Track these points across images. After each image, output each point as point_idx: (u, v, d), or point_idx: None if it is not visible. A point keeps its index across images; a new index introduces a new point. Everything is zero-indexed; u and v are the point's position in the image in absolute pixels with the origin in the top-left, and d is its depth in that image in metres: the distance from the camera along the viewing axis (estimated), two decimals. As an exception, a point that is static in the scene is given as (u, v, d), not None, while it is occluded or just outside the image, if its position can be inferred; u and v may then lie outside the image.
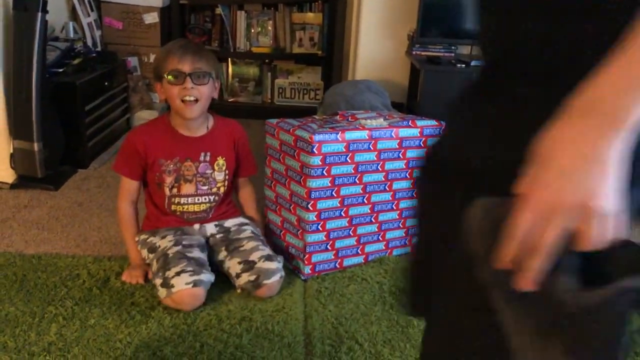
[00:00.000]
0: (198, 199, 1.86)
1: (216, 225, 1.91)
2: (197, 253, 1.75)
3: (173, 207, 1.85)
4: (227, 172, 1.89)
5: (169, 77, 1.70)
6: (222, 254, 1.84)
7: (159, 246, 1.78)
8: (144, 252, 1.82)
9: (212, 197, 1.88)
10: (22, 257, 1.94)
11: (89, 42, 3.34)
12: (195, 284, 1.64)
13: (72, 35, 3.00)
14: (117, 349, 1.51)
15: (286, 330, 1.62)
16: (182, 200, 1.84)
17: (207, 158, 1.85)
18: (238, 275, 1.76)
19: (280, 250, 1.93)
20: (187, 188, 1.84)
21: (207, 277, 1.68)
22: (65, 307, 1.66)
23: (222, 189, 1.89)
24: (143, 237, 1.85)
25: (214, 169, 1.86)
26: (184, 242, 1.77)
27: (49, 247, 2.04)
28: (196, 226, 1.88)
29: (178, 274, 1.65)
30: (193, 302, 1.65)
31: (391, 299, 1.82)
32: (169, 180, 1.81)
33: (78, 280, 1.81)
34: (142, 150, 1.77)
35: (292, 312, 1.70)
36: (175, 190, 1.83)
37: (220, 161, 1.87)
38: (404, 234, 2.11)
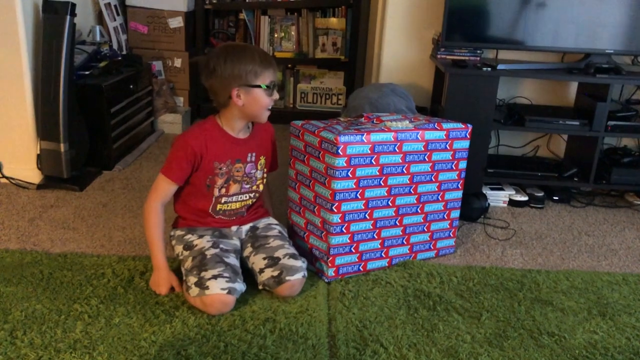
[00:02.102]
0: (241, 197, 1.89)
1: (251, 227, 1.93)
2: (233, 259, 1.76)
3: (219, 207, 1.86)
4: (265, 169, 1.93)
5: (266, 87, 1.74)
6: (248, 250, 1.85)
7: (196, 245, 1.78)
8: (179, 248, 1.82)
9: (252, 195, 1.92)
10: (48, 255, 1.95)
11: (115, 46, 3.38)
12: (230, 291, 1.64)
13: (98, 38, 3.04)
14: (142, 348, 1.51)
15: (310, 332, 1.61)
16: (229, 199, 1.87)
17: (253, 158, 1.88)
18: (261, 271, 1.77)
19: (303, 252, 1.92)
20: (234, 188, 1.86)
21: (240, 286, 1.69)
22: (91, 305, 1.67)
23: (260, 186, 1.93)
24: (179, 233, 1.86)
25: (257, 168, 1.89)
26: (221, 246, 1.78)
27: (74, 246, 2.05)
28: (234, 228, 1.90)
29: (215, 277, 1.65)
30: (222, 308, 1.65)
31: (416, 303, 1.79)
32: (220, 181, 1.83)
33: (103, 279, 1.82)
34: (199, 154, 1.77)
35: (316, 314, 1.69)
36: (223, 191, 1.84)
37: (262, 160, 1.91)
38: (428, 238, 2.09)
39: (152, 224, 1.79)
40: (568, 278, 2.01)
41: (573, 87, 2.89)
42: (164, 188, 1.80)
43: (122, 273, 1.85)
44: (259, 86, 1.74)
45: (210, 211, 1.86)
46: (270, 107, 1.81)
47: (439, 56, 2.71)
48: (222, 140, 1.81)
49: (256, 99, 1.75)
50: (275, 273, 1.74)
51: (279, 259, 1.77)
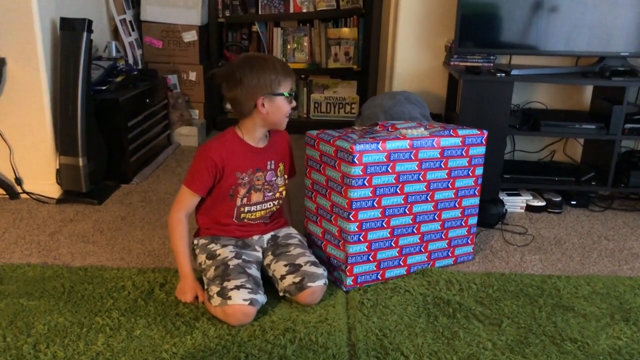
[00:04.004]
0: (264, 205, 1.91)
1: (272, 236, 1.95)
2: (254, 271, 1.77)
3: (242, 216, 1.88)
4: (285, 176, 1.96)
5: (288, 95, 1.80)
6: (269, 258, 1.87)
7: (219, 254, 1.80)
8: (202, 257, 1.84)
9: (275, 202, 1.94)
10: (69, 269, 1.98)
11: (131, 61, 3.43)
12: (252, 302, 1.65)
13: (114, 54, 3.09)
14: (163, 359, 1.51)
15: (330, 341, 1.60)
16: (252, 208, 1.89)
17: (272, 166, 1.90)
18: (282, 277, 1.78)
19: (321, 262, 1.92)
20: (256, 197, 1.89)
21: (262, 298, 1.70)
22: (112, 317, 1.69)
23: (283, 192, 1.96)
24: (203, 241, 1.88)
25: (277, 175, 1.92)
26: (244, 257, 1.80)
27: (94, 259, 2.07)
28: (255, 237, 1.92)
29: (237, 287, 1.66)
30: (243, 319, 1.66)
31: (435, 311, 1.78)
32: (243, 191, 1.85)
33: (123, 292, 1.83)
34: (220, 165, 1.80)
35: (336, 324, 1.69)
36: (245, 200, 1.87)
37: (281, 166, 1.94)
38: (446, 245, 2.08)
39: (177, 234, 1.82)
40: (589, 283, 1.99)
41: (588, 90, 2.87)
42: (187, 199, 1.83)
43: (142, 285, 1.87)
44: (282, 94, 1.78)
45: (234, 219, 1.88)
46: (288, 115, 1.85)
47: (452, 63, 2.71)
48: (242, 151, 1.84)
49: (279, 107, 1.79)
50: (297, 279, 1.75)
51: (300, 265, 1.79)
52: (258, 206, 1.89)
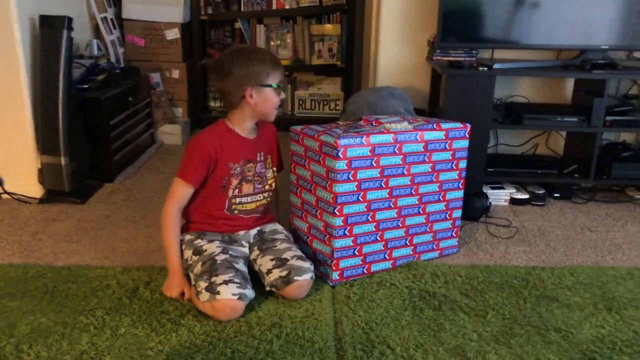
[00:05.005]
0: (255, 197, 1.92)
1: (258, 231, 1.95)
2: (242, 266, 1.77)
3: (233, 207, 1.88)
4: (274, 168, 1.97)
5: (276, 87, 1.81)
6: (255, 253, 1.87)
7: (206, 250, 1.79)
8: (188, 253, 1.83)
9: (266, 194, 1.95)
10: (52, 269, 1.95)
11: (113, 59, 3.40)
12: (241, 297, 1.65)
13: (96, 52, 3.06)
14: (149, 357, 1.50)
15: (317, 336, 1.60)
16: (243, 199, 1.89)
17: (262, 158, 1.91)
18: (269, 272, 1.78)
19: (307, 257, 1.91)
20: (247, 188, 1.89)
21: (250, 292, 1.69)
22: (96, 316, 1.67)
23: (273, 184, 1.97)
24: (189, 237, 1.87)
25: (266, 167, 1.93)
26: (230, 252, 1.79)
27: (78, 258, 2.05)
28: (241, 232, 1.92)
29: (226, 282, 1.65)
30: (232, 314, 1.65)
31: (421, 304, 1.79)
32: (235, 182, 1.86)
33: (108, 290, 1.82)
34: (214, 155, 1.80)
35: (322, 318, 1.69)
36: (237, 191, 1.87)
37: (269, 159, 1.95)
38: (431, 239, 2.09)
39: (168, 228, 1.81)
40: (573, 274, 2.01)
41: (569, 84, 2.90)
42: (181, 191, 1.82)
43: (126, 284, 1.85)
44: (270, 85, 1.79)
45: (225, 211, 1.88)
46: (277, 107, 1.86)
47: (435, 58, 2.72)
48: (234, 141, 1.84)
49: (267, 98, 1.80)
50: (284, 273, 1.75)
51: (286, 259, 1.79)
52: (249, 197, 1.90)
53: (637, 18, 2.56)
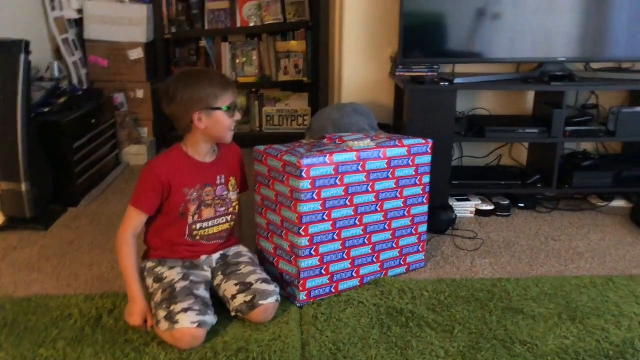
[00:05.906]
0: (217, 221, 1.89)
1: (221, 255, 1.92)
2: (203, 292, 1.74)
3: (195, 233, 1.85)
4: (237, 190, 1.94)
5: (227, 109, 1.76)
6: (219, 279, 1.84)
7: (166, 277, 1.76)
8: (149, 281, 1.80)
9: (229, 217, 1.92)
10: (11, 300, 1.90)
11: (75, 81, 3.36)
12: (200, 324, 1.62)
13: (57, 74, 3.01)
14: (112, 389, 1.47)
15: (284, 359, 1.59)
16: (204, 224, 1.86)
17: (223, 180, 1.88)
18: (234, 297, 1.75)
19: (274, 278, 1.90)
20: (207, 212, 1.86)
21: (211, 319, 1.66)
22: (57, 348, 1.63)
23: (237, 207, 1.94)
24: (150, 265, 1.83)
25: (229, 190, 1.90)
26: (191, 278, 1.76)
27: (39, 288, 2.00)
28: (203, 257, 1.88)
29: (185, 310, 1.62)
30: (192, 343, 1.62)
31: (389, 321, 1.79)
32: (193, 208, 1.82)
33: (70, 320, 1.77)
34: (166, 182, 1.76)
35: (289, 340, 1.67)
36: (197, 217, 1.84)
37: (233, 181, 1.92)
38: (398, 254, 2.10)
39: (124, 254, 1.76)
40: (537, 284, 2.03)
41: (530, 95, 2.96)
42: (134, 219, 1.78)
43: (89, 312, 1.81)
44: (220, 108, 1.75)
45: (186, 238, 1.84)
46: (233, 128, 1.82)
47: (397, 74, 2.75)
48: (188, 166, 1.81)
49: (218, 121, 1.76)
50: (248, 298, 1.73)
51: (251, 284, 1.77)
52: (210, 222, 1.87)
53: (593, 30, 2.63)
